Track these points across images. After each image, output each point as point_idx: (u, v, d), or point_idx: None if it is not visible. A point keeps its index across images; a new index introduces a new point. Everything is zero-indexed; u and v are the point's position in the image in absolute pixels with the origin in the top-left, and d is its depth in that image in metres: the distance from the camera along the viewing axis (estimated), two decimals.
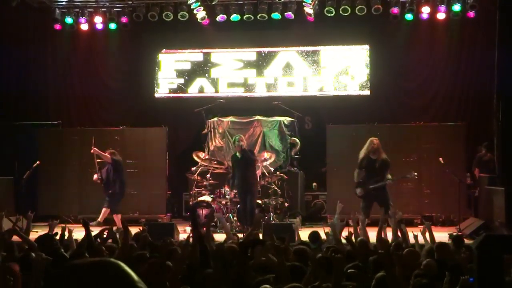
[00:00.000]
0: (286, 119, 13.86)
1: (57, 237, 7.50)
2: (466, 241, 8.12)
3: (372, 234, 7.80)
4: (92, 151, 12.10)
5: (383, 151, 10.54)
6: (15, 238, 7.70)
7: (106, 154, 12.14)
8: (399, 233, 7.53)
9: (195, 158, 13.13)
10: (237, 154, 11.63)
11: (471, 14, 13.20)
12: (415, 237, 7.53)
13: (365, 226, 8.11)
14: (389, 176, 10.52)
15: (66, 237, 7.50)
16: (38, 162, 13.14)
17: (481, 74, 13.68)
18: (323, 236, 7.78)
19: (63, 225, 8.36)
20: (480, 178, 12.41)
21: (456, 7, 13.23)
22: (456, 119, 13.56)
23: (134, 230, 8.83)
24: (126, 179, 12.37)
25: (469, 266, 5.24)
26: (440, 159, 12.22)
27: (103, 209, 12.05)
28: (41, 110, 14.84)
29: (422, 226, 8.64)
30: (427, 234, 7.63)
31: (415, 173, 11.21)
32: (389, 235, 7.83)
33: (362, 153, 10.55)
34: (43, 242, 7.05)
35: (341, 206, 8.61)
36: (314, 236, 7.71)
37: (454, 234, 9.58)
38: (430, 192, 12.87)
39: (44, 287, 1.69)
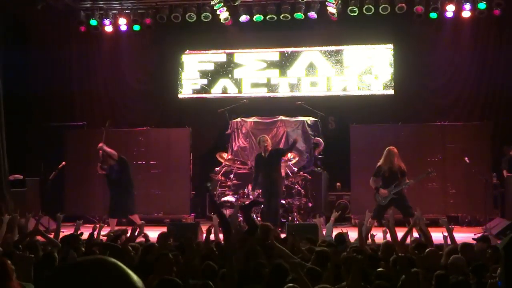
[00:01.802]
0: (309, 119, 13.83)
1: (83, 236, 7.59)
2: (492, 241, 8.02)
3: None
4: (99, 146, 11.59)
5: (400, 159, 10.58)
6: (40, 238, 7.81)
7: (113, 152, 11.60)
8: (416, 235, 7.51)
9: (219, 158, 13.18)
10: (262, 154, 11.60)
11: (497, 12, 13.04)
12: (445, 237, 7.47)
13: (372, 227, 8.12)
14: (408, 180, 10.52)
15: (94, 236, 7.58)
16: (64, 163, 13.30)
17: (507, 72, 13.50)
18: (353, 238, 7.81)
19: (92, 225, 8.44)
20: (507, 178, 12.24)
21: (481, 5, 13.07)
22: (482, 118, 13.41)
23: (159, 230, 8.90)
24: (133, 179, 11.94)
25: (494, 267, 5.18)
26: (466, 158, 12.10)
27: (110, 221, 11.53)
28: (67, 111, 15.01)
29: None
30: (445, 232, 7.56)
31: (433, 170, 11.09)
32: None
33: (381, 162, 10.56)
34: (68, 242, 7.15)
35: (369, 215, 8.66)
36: (340, 238, 7.70)
37: (480, 234, 9.46)
38: (455, 192, 12.74)
39: (43, 285, 1.67)
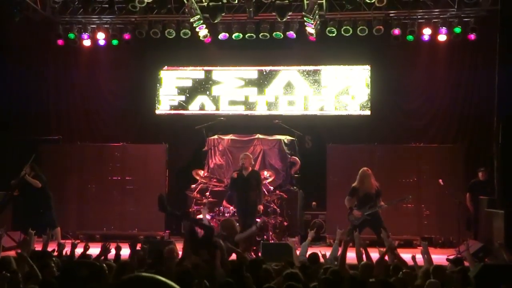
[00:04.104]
0: (286, 138, 13.88)
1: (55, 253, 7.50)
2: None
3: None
4: (23, 173, 11.65)
5: (374, 179, 10.67)
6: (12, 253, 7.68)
7: (37, 182, 11.72)
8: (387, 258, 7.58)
9: (195, 175, 13.14)
10: (243, 172, 11.47)
11: (472, 36, 13.28)
12: (413, 258, 7.57)
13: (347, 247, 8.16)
14: (382, 203, 10.61)
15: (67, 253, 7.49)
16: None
17: (481, 96, 13.72)
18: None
19: (68, 241, 8.33)
20: (480, 200, 12.38)
21: (457, 29, 13.30)
22: (456, 140, 13.60)
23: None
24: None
25: None
26: (440, 180, 12.21)
27: (58, 229, 11.70)
28: (42, 125, 14.86)
29: (421, 247, 8.66)
30: (425, 255, 7.66)
31: (410, 196, 11.29)
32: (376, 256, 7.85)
33: (357, 184, 10.66)
34: (39, 258, 7.04)
35: (340, 232, 8.69)
36: (313, 257, 7.73)
37: (453, 256, 9.54)
38: (429, 213, 12.87)
39: None
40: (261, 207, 11.53)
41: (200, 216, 12.10)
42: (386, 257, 7.60)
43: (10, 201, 12.38)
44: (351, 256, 8.16)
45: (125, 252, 7.86)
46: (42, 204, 11.76)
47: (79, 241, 8.13)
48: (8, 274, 5.32)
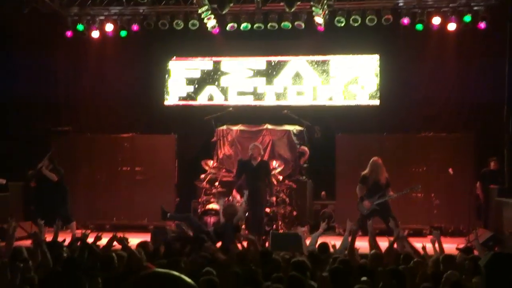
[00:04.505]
0: (295, 128, 13.87)
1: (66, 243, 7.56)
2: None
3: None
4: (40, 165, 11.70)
5: (384, 169, 10.68)
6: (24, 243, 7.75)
7: (54, 175, 11.70)
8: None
9: (204, 166, 13.17)
10: (252, 162, 11.45)
11: (482, 25, 13.18)
12: (423, 248, 7.56)
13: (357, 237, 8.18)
14: (392, 193, 10.59)
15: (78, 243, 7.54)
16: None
17: (491, 85, 13.63)
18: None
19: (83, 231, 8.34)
20: (491, 189, 12.36)
21: (467, 18, 13.22)
22: (466, 130, 13.53)
23: (143, 237, 8.88)
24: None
25: (474, 281, 5.23)
26: (450, 170, 12.20)
27: (73, 224, 11.75)
28: (52, 116, 14.92)
29: (431, 236, 8.67)
30: (436, 244, 7.66)
31: (419, 185, 11.26)
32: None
33: (367, 172, 10.65)
34: (52, 248, 7.10)
35: (351, 224, 8.73)
36: (323, 247, 7.76)
37: (463, 245, 9.54)
38: (439, 202, 12.84)
39: None
40: (273, 199, 11.56)
41: (212, 205, 12.18)
42: (395, 246, 7.62)
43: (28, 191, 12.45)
44: (361, 245, 8.19)
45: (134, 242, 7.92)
46: (58, 197, 11.75)
47: (101, 233, 8.11)
48: (20, 264, 5.37)
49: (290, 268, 5.81)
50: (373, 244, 7.91)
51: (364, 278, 5.39)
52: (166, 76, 15.14)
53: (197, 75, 15.08)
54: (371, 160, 10.76)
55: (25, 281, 5.13)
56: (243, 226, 11.56)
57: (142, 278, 1.81)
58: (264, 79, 14.91)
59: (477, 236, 8.54)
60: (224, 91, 15.01)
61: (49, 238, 8.03)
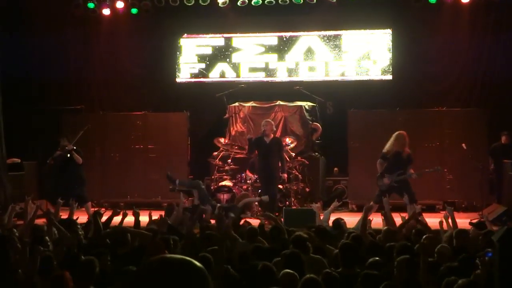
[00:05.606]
0: (307, 104, 13.82)
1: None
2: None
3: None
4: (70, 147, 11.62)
5: (408, 144, 10.49)
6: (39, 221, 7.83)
7: (79, 158, 11.62)
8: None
9: (216, 143, 13.18)
10: (264, 138, 11.45)
11: None
12: (440, 223, 7.56)
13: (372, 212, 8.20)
14: (412, 171, 10.42)
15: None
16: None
17: (505, 58, 13.48)
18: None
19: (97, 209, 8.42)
20: (505, 164, 12.27)
21: None
22: (479, 104, 13.42)
23: (157, 214, 8.94)
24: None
25: (486, 250, 5.22)
26: (463, 145, 12.13)
27: (89, 204, 11.72)
28: (64, 95, 14.96)
29: (444, 211, 8.66)
30: (449, 220, 7.66)
31: (440, 167, 11.07)
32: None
33: (389, 146, 10.46)
34: (67, 226, 7.18)
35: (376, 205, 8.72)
36: (337, 223, 7.79)
37: (476, 220, 9.51)
38: (452, 178, 12.80)
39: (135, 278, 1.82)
40: (285, 175, 11.54)
41: (225, 182, 12.22)
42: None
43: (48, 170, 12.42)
44: (376, 221, 8.17)
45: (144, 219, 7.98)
46: (77, 177, 11.70)
47: (121, 210, 8.20)
48: (41, 247, 5.41)
49: (290, 244, 5.85)
50: (388, 220, 7.90)
51: (376, 259, 5.38)
52: (178, 53, 15.10)
53: (209, 51, 15.02)
54: (398, 133, 10.54)
55: (43, 261, 5.18)
56: (256, 203, 11.60)
57: (152, 264, 1.81)
58: (275, 55, 14.83)
59: (487, 218, 8.41)
60: (235, 67, 14.95)
61: (63, 216, 8.11)
